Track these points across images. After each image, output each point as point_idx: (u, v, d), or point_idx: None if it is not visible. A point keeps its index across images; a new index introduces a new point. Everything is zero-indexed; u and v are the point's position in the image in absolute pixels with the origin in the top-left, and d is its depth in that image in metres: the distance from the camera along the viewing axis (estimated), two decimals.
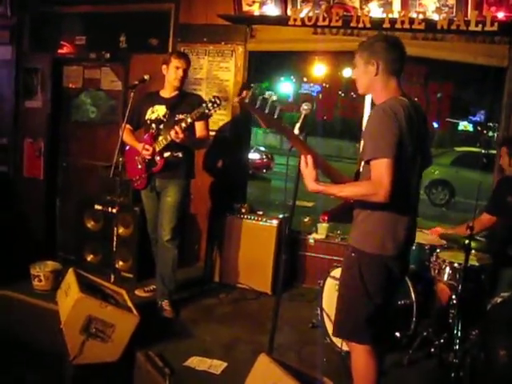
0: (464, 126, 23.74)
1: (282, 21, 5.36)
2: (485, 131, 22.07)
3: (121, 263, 5.38)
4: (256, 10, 5.51)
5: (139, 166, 4.69)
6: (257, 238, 5.36)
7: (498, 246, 4.12)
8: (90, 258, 5.64)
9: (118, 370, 3.61)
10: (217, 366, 3.79)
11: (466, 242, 3.66)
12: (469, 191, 12.13)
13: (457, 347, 3.64)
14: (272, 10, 5.44)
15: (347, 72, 7.51)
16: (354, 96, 5.88)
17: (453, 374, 3.55)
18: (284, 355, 3.72)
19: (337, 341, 3.96)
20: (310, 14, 5.17)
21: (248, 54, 5.71)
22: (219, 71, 5.77)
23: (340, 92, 6.13)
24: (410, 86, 5.01)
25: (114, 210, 4.96)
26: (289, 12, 5.35)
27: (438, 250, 4.19)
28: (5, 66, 6.78)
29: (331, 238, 5.65)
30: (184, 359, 3.82)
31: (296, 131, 2.71)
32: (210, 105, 4.35)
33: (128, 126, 4.64)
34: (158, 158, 4.58)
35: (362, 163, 2.78)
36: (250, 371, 2.71)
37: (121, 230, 5.27)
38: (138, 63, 6.03)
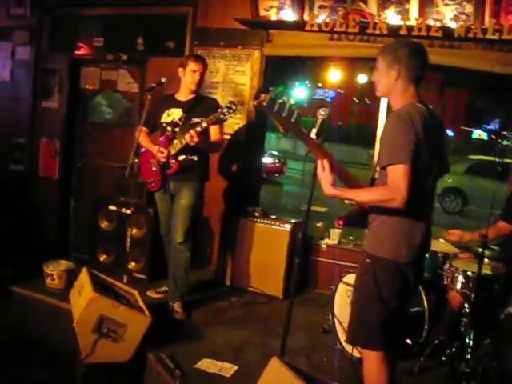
0: (478, 134, 23.59)
1: (298, 26, 5.37)
2: (499, 140, 21.94)
3: (133, 264, 5.40)
4: (273, 15, 5.53)
5: (154, 169, 4.71)
6: (269, 242, 5.36)
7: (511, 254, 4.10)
8: (102, 258, 5.68)
9: (128, 370, 3.62)
10: (227, 368, 3.79)
11: (480, 250, 3.64)
12: (482, 200, 12.09)
13: (468, 356, 3.62)
14: (289, 15, 5.45)
15: (362, 78, 7.51)
16: (369, 102, 5.88)
17: (464, 383, 3.53)
18: (294, 359, 3.69)
19: (348, 347, 3.94)
20: (327, 20, 5.18)
21: (264, 58, 5.72)
22: (235, 75, 5.79)
23: (355, 98, 6.14)
24: (427, 93, 5.01)
25: (128, 211, 4.99)
26: (306, 17, 5.36)
27: (451, 259, 4.17)
28: (23, 66, 6.85)
29: (344, 244, 5.65)
30: (195, 361, 3.82)
31: (313, 136, 2.71)
32: (225, 110, 4.37)
33: (144, 128, 4.67)
34: (172, 161, 4.60)
35: (378, 169, 2.78)
36: (262, 374, 2.71)
37: (134, 231, 5.30)
38: (154, 66, 6.06)
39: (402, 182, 2.51)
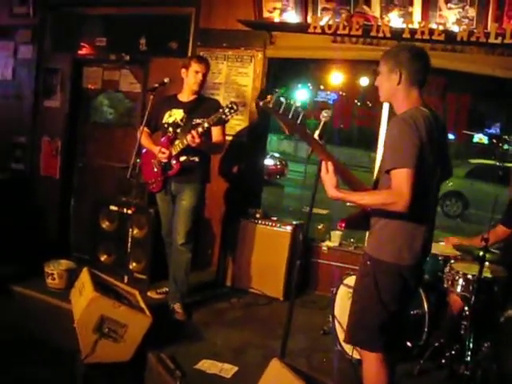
0: (479, 138, 23.62)
1: (302, 28, 5.38)
2: (500, 144, 21.96)
3: (134, 264, 5.41)
4: (276, 17, 5.54)
5: (155, 169, 4.71)
6: (270, 243, 5.37)
7: None
8: (103, 258, 5.68)
9: (129, 370, 3.62)
10: (228, 369, 3.79)
11: (481, 253, 3.65)
12: (482, 203, 12.10)
13: (468, 359, 3.62)
14: (292, 18, 5.46)
15: (364, 81, 7.51)
16: (371, 105, 5.89)
17: None
18: (295, 361, 3.69)
19: (348, 348, 3.95)
20: (330, 22, 5.19)
21: (267, 60, 5.72)
22: (238, 76, 5.80)
23: (356, 101, 6.14)
24: (428, 96, 5.01)
25: (129, 212, 4.99)
26: (309, 20, 5.37)
27: (451, 261, 4.18)
28: (26, 65, 6.85)
29: (345, 246, 5.66)
30: (195, 362, 3.83)
31: (316, 138, 2.72)
32: (227, 110, 4.37)
33: (146, 129, 4.67)
34: (174, 162, 4.60)
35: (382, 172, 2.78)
36: (262, 375, 2.71)
37: (135, 232, 5.31)
38: (157, 66, 6.06)
39: (406, 186, 2.51)
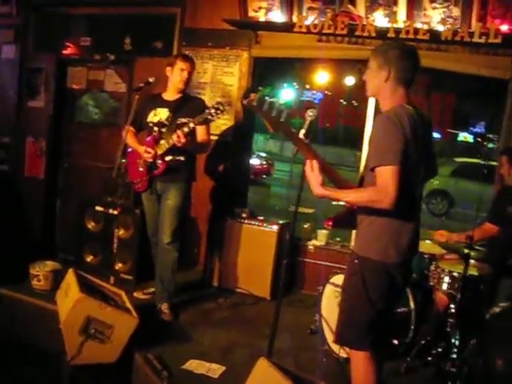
0: (464, 137, 23.77)
1: (287, 27, 5.38)
2: (485, 142, 22.11)
3: (120, 265, 5.38)
4: (262, 16, 5.54)
5: (141, 169, 4.69)
6: (257, 243, 5.37)
7: (497, 255, 4.14)
8: (89, 259, 5.65)
9: (115, 371, 3.60)
10: (215, 369, 3.78)
11: (466, 251, 3.67)
12: (467, 202, 12.20)
13: (454, 356, 3.64)
14: (278, 17, 5.46)
15: (350, 80, 7.54)
16: (356, 104, 5.91)
17: (450, 383, 3.55)
18: (282, 360, 3.69)
19: (335, 347, 3.97)
20: (316, 22, 5.20)
21: (252, 59, 5.72)
22: (223, 76, 5.80)
23: (342, 100, 6.16)
24: (414, 95, 5.02)
25: (115, 212, 4.97)
26: (294, 19, 5.38)
27: (437, 259, 4.20)
28: (9, 65, 6.80)
29: (331, 245, 5.68)
30: (182, 362, 3.81)
31: (299, 135, 2.72)
32: (213, 111, 4.36)
33: (131, 128, 4.65)
34: (159, 162, 4.59)
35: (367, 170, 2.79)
36: (249, 375, 2.72)
37: (121, 232, 5.28)
38: (142, 66, 6.05)
39: (391, 184, 2.52)
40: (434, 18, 4.93)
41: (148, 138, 4.67)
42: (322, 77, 7.77)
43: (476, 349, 3.71)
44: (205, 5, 5.84)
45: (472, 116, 21.80)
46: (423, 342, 4.02)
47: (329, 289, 4.26)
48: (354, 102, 6.10)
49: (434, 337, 4.04)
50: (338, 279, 4.08)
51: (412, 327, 4.03)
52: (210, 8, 5.80)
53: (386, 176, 2.54)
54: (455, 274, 3.88)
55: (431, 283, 4.10)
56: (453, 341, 3.70)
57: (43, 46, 6.70)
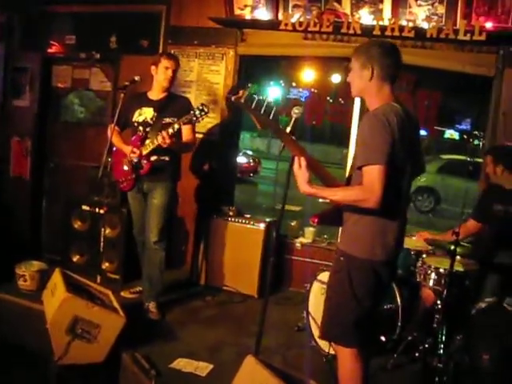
0: (450, 134, 23.90)
1: (273, 25, 5.38)
2: (471, 140, 22.24)
3: (107, 264, 5.36)
4: (247, 14, 5.53)
5: (126, 168, 4.68)
6: (244, 241, 5.37)
7: (483, 252, 4.17)
8: (76, 258, 5.62)
9: (103, 371, 3.59)
10: (203, 368, 3.79)
11: (452, 247, 3.69)
12: (454, 198, 12.27)
13: (441, 352, 3.66)
14: (263, 15, 5.46)
15: (336, 78, 7.54)
16: (343, 102, 5.91)
17: (437, 378, 3.57)
18: (270, 358, 3.71)
19: (322, 344, 3.99)
20: (301, 20, 5.19)
21: (239, 57, 5.72)
22: (209, 74, 5.78)
23: (328, 98, 6.16)
24: (399, 93, 5.05)
25: (102, 211, 4.95)
26: (280, 17, 5.38)
27: (423, 256, 4.23)
28: None
29: (318, 242, 5.69)
30: (170, 361, 3.82)
31: (288, 133, 2.73)
32: (197, 112, 4.37)
33: (116, 127, 4.63)
34: (144, 162, 4.58)
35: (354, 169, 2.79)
36: (237, 373, 2.72)
37: (108, 231, 5.26)
38: (127, 64, 6.02)
39: (377, 183, 2.52)
40: (419, 16, 4.96)
41: (133, 138, 4.66)
42: (308, 74, 7.77)
43: (462, 344, 3.74)
44: (190, 3, 5.82)
45: (458, 113, 21.94)
46: (410, 338, 4.05)
47: (316, 286, 4.27)
48: (340, 99, 6.10)
49: (421, 333, 4.06)
50: (325, 276, 4.07)
51: (399, 324, 4.05)
52: (196, 6, 5.78)
53: (373, 175, 2.54)
54: (441, 271, 3.91)
55: (418, 279, 4.12)
56: (439, 337, 3.72)
57: (28, 44, 6.64)
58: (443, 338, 3.70)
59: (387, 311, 4.05)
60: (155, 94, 4.71)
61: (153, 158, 4.58)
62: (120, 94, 4.47)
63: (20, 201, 6.66)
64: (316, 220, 2.92)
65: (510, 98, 4.86)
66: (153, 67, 4.66)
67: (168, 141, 4.34)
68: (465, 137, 23.21)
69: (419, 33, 4.86)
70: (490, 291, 3.98)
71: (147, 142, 4.53)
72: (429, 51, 5.03)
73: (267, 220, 5.50)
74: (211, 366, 3.82)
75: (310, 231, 5.72)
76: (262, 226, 5.37)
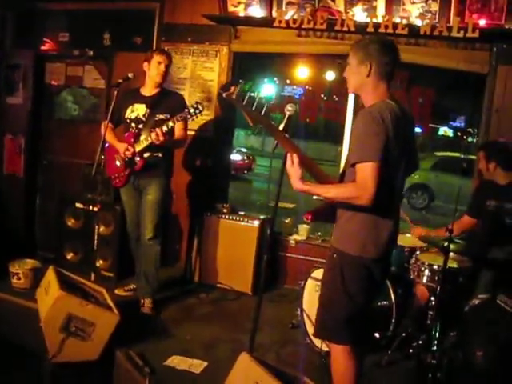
0: (444, 131, 23.98)
1: (266, 22, 5.37)
2: (464, 137, 22.31)
3: (101, 262, 5.36)
4: (241, 11, 5.52)
5: (118, 164, 4.68)
6: (238, 238, 5.37)
7: (477, 248, 4.18)
8: (70, 256, 5.61)
9: (97, 368, 3.59)
10: (197, 365, 3.79)
11: (446, 244, 3.70)
12: (448, 195, 12.29)
13: (435, 348, 3.67)
14: (257, 12, 5.45)
15: (330, 75, 7.56)
16: (337, 99, 5.92)
17: (431, 375, 3.57)
18: (264, 355, 3.74)
19: (317, 341, 3.99)
20: (295, 17, 5.19)
21: (232, 54, 5.71)
22: (203, 71, 5.77)
23: (322, 95, 6.17)
24: (394, 90, 5.05)
25: (95, 209, 4.94)
26: (274, 14, 5.37)
27: (417, 252, 4.24)
28: None
29: (312, 240, 5.69)
30: (164, 358, 3.81)
31: (280, 130, 2.72)
32: (192, 111, 4.39)
33: (110, 124, 4.63)
34: (137, 159, 4.58)
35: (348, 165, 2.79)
36: (231, 370, 2.72)
37: (101, 229, 5.25)
38: (121, 61, 6.01)
39: (370, 181, 2.52)
40: (413, 13, 4.96)
41: (126, 135, 4.66)
42: (302, 72, 7.79)
43: (456, 341, 3.75)
44: (184, 0, 5.81)
45: (452, 110, 22.00)
46: (404, 334, 4.06)
47: (310, 283, 4.28)
48: (334, 96, 6.10)
49: (415, 329, 4.08)
50: (320, 273, 4.08)
51: (393, 320, 4.06)
52: (190, 3, 5.77)
53: (366, 172, 2.54)
54: (435, 267, 3.92)
55: (411, 276, 4.13)
56: (433, 333, 3.73)
57: (21, 42, 6.62)
58: (437, 334, 3.72)
59: (381, 308, 4.06)
60: (148, 90, 4.71)
61: (146, 155, 4.58)
62: (113, 91, 4.46)
63: (14, 198, 6.63)
64: (310, 217, 2.92)
65: (504, 95, 4.87)
66: (145, 63, 4.66)
67: (161, 138, 4.35)
68: (459, 134, 23.29)
69: (413, 30, 4.86)
70: (483, 288, 3.99)
71: (141, 138, 4.53)
72: (422, 48, 5.04)
73: (261, 217, 5.50)
74: (205, 364, 3.82)
75: (304, 228, 5.72)
76: (256, 223, 5.37)
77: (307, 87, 6.88)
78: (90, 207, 5.37)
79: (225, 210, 5.53)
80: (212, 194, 5.80)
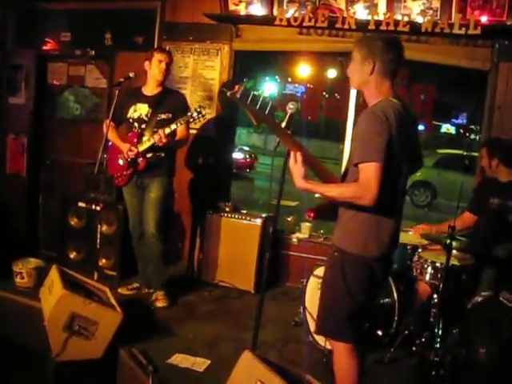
0: (446, 128, 23.94)
1: (267, 21, 5.38)
2: (467, 134, 22.27)
3: (104, 261, 5.36)
4: (242, 10, 5.52)
5: (121, 163, 4.70)
6: (240, 236, 5.37)
7: (479, 246, 4.17)
8: (73, 255, 5.62)
9: (101, 367, 3.59)
10: (200, 363, 3.79)
11: (448, 241, 3.70)
12: (450, 193, 12.26)
13: (438, 345, 3.67)
14: (258, 10, 5.46)
15: (332, 73, 7.56)
16: (338, 97, 5.92)
17: (433, 372, 3.58)
18: (267, 353, 3.73)
19: (319, 339, 3.99)
20: (296, 15, 5.20)
21: (234, 53, 5.71)
22: (205, 70, 5.78)
23: (324, 93, 6.17)
24: (396, 88, 5.04)
25: (98, 208, 4.96)
26: (275, 12, 5.37)
27: (420, 250, 4.24)
28: None
29: (314, 238, 5.69)
30: (167, 356, 3.82)
31: (284, 128, 2.72)
32: (195, 114, 4.44)
33: (112, 123, 4.63)
34: (140, 159, 4.60)
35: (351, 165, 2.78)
36: (234, 368, 2.72)
37: (104, 228, 5.27)
38: (123, 61, 6.02)
39: (373, 181, 2.51)
40: (414, 10, 4.96)
41: (129, 135, 4.67)
42: (303, 70, 7.79)
43: (459, 338, 3.75)
44: None
45: (454, 108, 21.97)
46: (407, 332, 4.05)
47: (313, 281, 4.27)
48: (336, 94, 6.11)
49: (418, 327, 4.07)
50: (322, 271, 4.05)
51: (395, 318, 4.05)
52: (191, 2, 5.78)
53: (369, 173, 2.53)
54: (438, 265, 3.92)
55: (414, 274, 4.13)
56: (436, 330, 3.73)
57: (23, 42, 6.64)
58: (440, 331, 3.71)
59: (384, 305, 4.05)
60: (150, 89, 4.72)
61: (148, 155, 4.60)
62: (115, 90, 4.47)
63: (17, 198, 6.65)
64: (312, 214, 2.92)
65: (506, 92, 4.87)
66: (146, 62, 4.68)
67: (164, 140, 4.41)
68: (461, 131, 23.26)
69: (414, 27, 4.86)
70: (486, 285, 3.98)
71: (144, 139, 4.56)
72: (424, 45, 5.04)
73: (264, 215, 5.50)
74: (208, 362, 3.82)
75: (306, 226, 5.73)
76: (258, 221, 5.37)
77: (309, 85, 6.89)
78: (93, 206, 5.38)
79: (227, 209, 5.53)
80: (214, 192, 5.81)
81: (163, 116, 4.58)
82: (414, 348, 3.99)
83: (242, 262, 5.35)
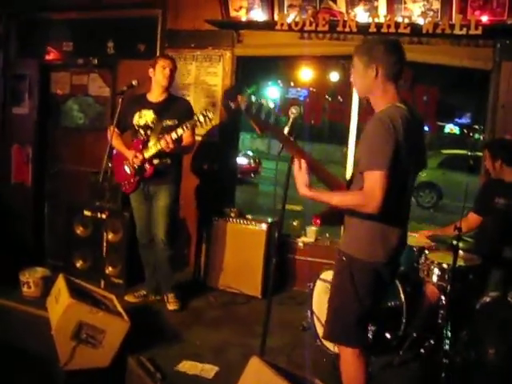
0: (450, 128, 23.93)
1: (268, 26, 5.39)
2: (471, 134, 22.25)
3: (110, 269, 5.36)
4: (243, 16, 5.54)
5: (127, 170, 4.71)
6: (246, 242, 5.37)
7: (488, 246, 4.16)
8: (79, 264, 5.61)
9: (109, 375, 3.60)
10: (208, 370, 3.79)
11: (454, 242, 3.69)
12: (456, 193, 12.23)
13: (446, 347, 3.66)
14: (259, 16, 5.47)
15: (334, 76, 7.56)
16: (341, 100, 5.92)
17: (443, 374, 3.57)
18: (275, 358, 3.71)
19: (327, 343, 3.98)
20: (297, 19, 5.20)
21: (236, 58, 5.72)
22: (207, 76, 5.79)
23: (327, 96, 6.17)
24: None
25: (103, 216, 4.97)
26: (276, 17, 5.38)
27: (426, 252, 4.22)
28: None
29: (320, 241, 5.69)
30: (175, 364, 3.82)
31: (289, 136, 2.72)
32: (202, 118, 4.44)
33: (116, 130, 4.65)
34: (147, 166, 4.61)
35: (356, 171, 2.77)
36: (242, 374, 2.72)
37: (110, 236, 5.27)
38: (125, 69, 6.04)
39: (378, 189, 2.49)
40: (415, 12, 4.96)
41: (135, 141, 4.68)
42: (306, 74, 7.80)
43: (467, 340, 3.74)
44: (186, 6, 5.84)
45: (458, 108, 21.96)
46: (415, 334, 4.04)
47: (319, 285, 4.27)
48: (339, 97, 6.10)
49: (426, 329, 4.06)
50: (329, 275, 4.07)
51: (403, 320, 4.03)
52: (192, 9, 5.79)
53: (374, 181, 2.51)
54: (445, 266, 3.91)
55: (421, 275, 4.11)
56: (444, 332, 3.72)
57: (26, 52, 6.67)
58: (448, 333, 3.71)
59: (391, 308, 4.04)
60: (154, 95, 4.73)
61: (155, 162, 4.61)
62: (118, 98, 4.49)
63: (22, 207, 6.67)
64: (318, 221, 2.91)
65: (508, 91, 4.87)
66: (150, 69, 4.70)
67: (171, 146, 4.42)
68: (465, 131, 23.24)
69: (415, 29, 4.86)
70: (493, 285, 3.97)
71: (150, 144, 4.58)
72: (425, 47, 5.04)
73: (269, 220, 5.50)
74: (216, 368, 3.82)
75: (312, 230, 5.72)
76: (263, 226, 5.37)
77: (311, 89, 6.86)
78: (98, 214, 5.38)
79: (232, 214, 5.53)
80: (219, 198, 5.81)
81: (169, 122, 4.59)
82: (422, 350, 3.97)
83: (248, 267, 5.35)
